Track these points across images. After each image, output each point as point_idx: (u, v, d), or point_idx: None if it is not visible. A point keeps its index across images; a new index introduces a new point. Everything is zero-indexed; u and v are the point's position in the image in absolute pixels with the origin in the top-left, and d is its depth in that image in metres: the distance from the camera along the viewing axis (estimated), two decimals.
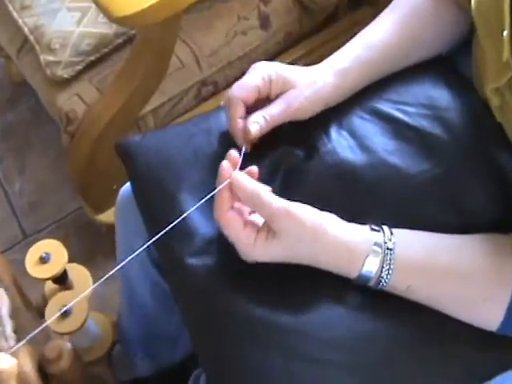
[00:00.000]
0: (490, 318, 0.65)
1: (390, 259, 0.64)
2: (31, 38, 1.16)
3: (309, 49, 1.31)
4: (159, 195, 0.74)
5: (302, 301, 0.67)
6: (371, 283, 0.65)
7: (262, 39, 1.24)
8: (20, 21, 1.18)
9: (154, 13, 0.92)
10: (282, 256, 0.65)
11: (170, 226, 0.65)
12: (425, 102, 0.75)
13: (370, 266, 0.64)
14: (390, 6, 0.78)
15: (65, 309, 0.94)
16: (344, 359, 0.65)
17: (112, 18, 0.91)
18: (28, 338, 0.62)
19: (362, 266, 0.64)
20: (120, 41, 1.16)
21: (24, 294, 1.04)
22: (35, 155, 1.57)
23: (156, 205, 0.75)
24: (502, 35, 0.61)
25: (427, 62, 0.79)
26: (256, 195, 0.63)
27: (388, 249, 0.64)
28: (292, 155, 0.74)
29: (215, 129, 0.78)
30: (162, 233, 0.65)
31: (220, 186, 0.64)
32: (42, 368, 0.77)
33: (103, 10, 0.92)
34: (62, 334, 0.95)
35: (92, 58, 1.15)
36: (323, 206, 0.66)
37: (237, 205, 0.65)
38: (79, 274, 1.08)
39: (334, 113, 0.75)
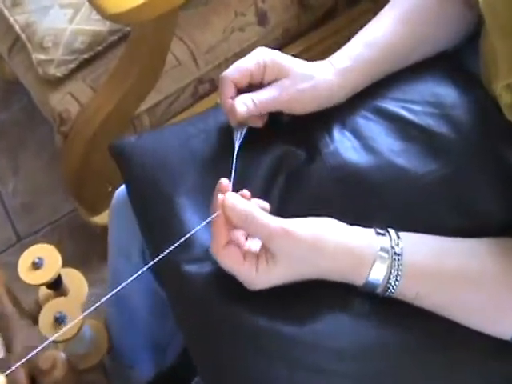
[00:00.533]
0: (502, 326, 0.63)
1: (398, 265, 0.62)
2: (23, 35, 1.14)
3: (307, 45, 1.30)
4: (155, 198, 0.72)
5: (306, 309, 0.64)
6: (378, 290, 0.63)
7: (260, 35, 1.22)
8: (11, 18, 1.16)
9: (149, 9, 0.90)
10: (286, 277, 0.62)
11: (171, 248, 0.63)
12: (431, 100, 0.72)
13: (377, 273, 0.62)
14: (391, 2, 0.76)
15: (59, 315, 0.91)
16: (350, 369, 0.63)
17: (105, 15, 0.89)
18: (24, 360, 0.59)
19: (369, 273, 0.62)
20: (114, 38, 1.14)
21: (17, 299, 1.02)
22: (29, 156, 1.55)
23: (152, 209, 0.72)
24: None
25: (432, 58, 0.76)
26: (250, 217, 0.60)
27: (395, 254, 0.62)
28: (293, 156, 0.72)
29: (213, 129, 0.75)
30: (163, 254, 0.63)
31: (214, 215, 0.62)
32: (34, 379, 0.75)
33: (96, 7, 0.90)
34: (57, 343, 0.92)
35: (85, 56, 1.13)
36: (325, 210, 0.64)
37: (233, 234, 0.62)
38: (74, 278, 1.05)
39: (337, 112, 0.73)
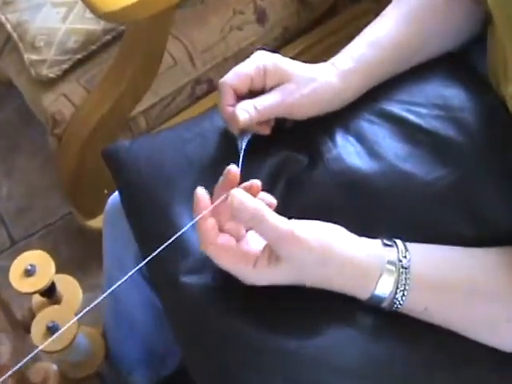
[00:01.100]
0: None
1: (406, 279, 0.59)
2: (14, 35, 1.13)
3: (307, 44, 1.28)
4: (150, 206, 0.69)
5: (309, 323, 0.62)
6: (384, 305, 0.60)
7: (259, 34, 1.21)
8: (2, 17, 1.15)
9: (143, 7, 0.88)
10: (285, 281, 0.60)
11: (160, 249, 0.59)
12: (437, 102, 0.70)
13: (384, 287, 0.59)
14: (395, 1, 0.73)
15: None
16: None
17: (99, 14, 0.88)
18: (12, 372, 0.56)
19: (375, 286, 0.59)
20: (109, 37, 1.12)
21: (9, 307, 0.99)
22: (23, 158, 1.54)
23: (147, 217, 0.70)
24: None
25: (439, 59, 0.74)
26: (259, 217, 0.57)
27: (403, 267, 0.60)
28: (294, 162, 0.69)
29: (210, 133, 0.73)
30: (152, 256, 0.59)
31: (196, 218, 0.59)
32: None
33: (89, 5, 0.88)
34: (50, 353, 0.89)
35: (79, 56, 1.11)
36: (328, 218, 0.61)
37: (228, 226, 0.59)
38: (68, 285, 1.02)
39: (340, 116, 0.70)
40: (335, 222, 0.61)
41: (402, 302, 0.59)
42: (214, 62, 1.18)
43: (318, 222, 0.60)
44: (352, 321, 0.62)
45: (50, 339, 0.57)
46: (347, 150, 0.68)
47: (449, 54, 0.74)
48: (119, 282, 0.56)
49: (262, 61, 0.67)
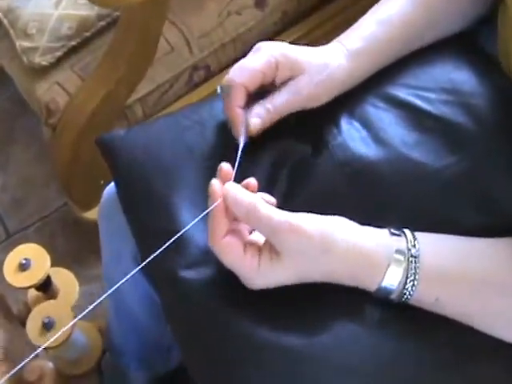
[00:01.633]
0: None
1: (415, 268, 0.57)
2: (5, 21, 1.10)
3: (308, 29, 1.25)
4: (147, 198, 0.67)
5: (313, 320, 0.59)
6: (393, 296, 0.58)
7: (258, 19, 1.18)
8: None
9: None
10: (290, 278, 0.57)
11: (161, 249, 0.57)
12: (447, 87, 0.67)
13: (392, 278, 0.57)
14: None
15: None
16: None
17: None
18: (11, 373, 0.54)
19: (383, 277, 0.57)
20: (103, 23, 1.10)
21: (4, 300, 0.97)
22: (18, 148, 1.51)
23: (144, 210, 0.67)
24: None
25: (447, 40, 0.71)
26: (253, 210, 0.55)
27: (412, 256, 0.57)
28: (297, 150, 0.67)
29: (210, 120, 0.70)
30: (153, 255, 0.57)
31: (211, 207, 0.56)
32: None
33: None
34: (46, 349, 0.87)
35: (73, 42, 1.09)
36: (333, 208, 0.59)
37: (234, 225, 0.57)
38: (64, 278, 1.01)
39: (344, 101, 0.68)
40: (341, 211, 0.59)
41: (411, 293, 0.57)
42: (212, 47, 1.16)
43: (317, 215, 0.58)
44: (356, 317, 0.59)
45: (52, 339, 0.55)
46: (352, 137, 0.66)
47: (456, 36, 0.72)
48: (119, 283, 0.55)
49: (272, 53, 0.64)
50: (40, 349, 0.59)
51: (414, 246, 0.58)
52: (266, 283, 0.57)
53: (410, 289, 0.57)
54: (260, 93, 0.66)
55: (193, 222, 0.59)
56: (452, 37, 0.72)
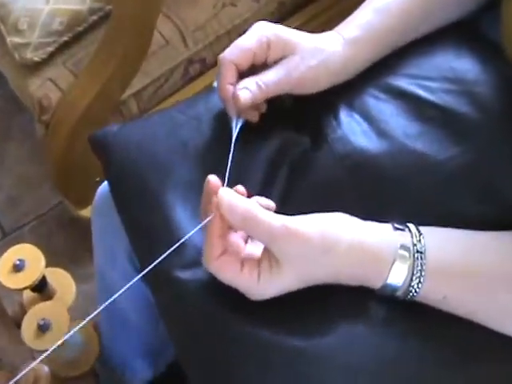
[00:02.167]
0: None
1: (421, 264, 0.55)
2: None
3: (304, 19, 1.25)
4: (141, 196, 0.65)
5: (315, 319, 0.57)
6: (399, 294, 0.56)
7: (253, 10, 1.17)
8: None
9: None
10: (293, 284, 0.55)
11: (162, 257, 0.56)
12: (449, 75, 0.65)
13: (398, 275, 0.55)
14: None
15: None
16: None
17: None
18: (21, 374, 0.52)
19: (388, 274, 0.55)
20: (95, 18, 1.09)
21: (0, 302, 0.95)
22: (13, 146, 1.50)
23: (138, 208, 0.65)
24: None
25: (449, 28, 0.69)
26: (249, 217, 0.53)
27: (418, 252, 0.55)
28: (296, 144, 0.65)
29: (205, 115, 0.68)
30: (154, 264, 0.56)
31: (207, 220, 0.54)
32: None
33: None
34: (41, 352, 0.85)
35: (65, 38, 1.08)
36: (334, 204, 0.58)
37: (230, 239, 0.55)
38: (61, 279, 0.99)
39: (344, 92, 0.66)
40: (342, 205, 0.57)
41: (418, 290, 0.55)
42: (207, 40, 1.15)
43: (314, 214, 0.56)
44: (362, 315, 0.58)
45: (53, 347, 0.53)
46: (353, 129, 0.64)
47: (457, 24, 0.70)
48: (119, 292, 0.55)
49: (264, 33, 0.63)
50: (42, 356, 0.56)
51: (420, 241, 0.56)
52: (268, 294, 0.55)
53: (416, 286, 0.55)
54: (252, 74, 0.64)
55: (190, 233, 0.57)
56: (452, 25, 0.70)
